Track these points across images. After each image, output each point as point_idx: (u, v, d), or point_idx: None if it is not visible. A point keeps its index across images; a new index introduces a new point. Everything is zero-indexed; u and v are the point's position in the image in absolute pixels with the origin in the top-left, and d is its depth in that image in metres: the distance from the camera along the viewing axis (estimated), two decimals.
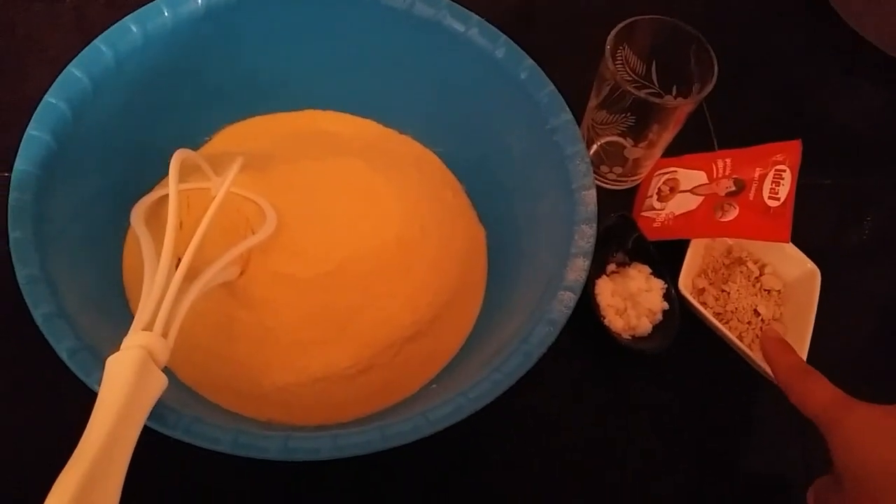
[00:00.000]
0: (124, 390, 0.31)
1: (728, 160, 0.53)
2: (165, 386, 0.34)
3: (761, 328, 0.51)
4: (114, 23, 0.43)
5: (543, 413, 0.49)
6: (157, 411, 0.33)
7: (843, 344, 0.54)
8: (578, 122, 0.54)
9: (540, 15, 0.67)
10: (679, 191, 0.53)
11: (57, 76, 0.41)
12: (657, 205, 0.54)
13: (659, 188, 0.54)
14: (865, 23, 0.68)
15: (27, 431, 0.44)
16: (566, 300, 0.39)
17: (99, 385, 0.32)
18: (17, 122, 0.40)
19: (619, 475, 0.48)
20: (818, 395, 0.40)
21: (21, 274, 0.36)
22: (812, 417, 0.40)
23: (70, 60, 0.41)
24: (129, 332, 0.35)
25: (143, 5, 0.43)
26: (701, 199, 0.52)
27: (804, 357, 0.48)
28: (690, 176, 0.54)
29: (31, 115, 0.40)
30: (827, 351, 0.49)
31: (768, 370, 0.47)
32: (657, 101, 0.48)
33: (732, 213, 0.50)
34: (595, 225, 0.41)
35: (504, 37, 0.46)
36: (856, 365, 0.54)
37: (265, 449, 0.34)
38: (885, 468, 0.35)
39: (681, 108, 0.49)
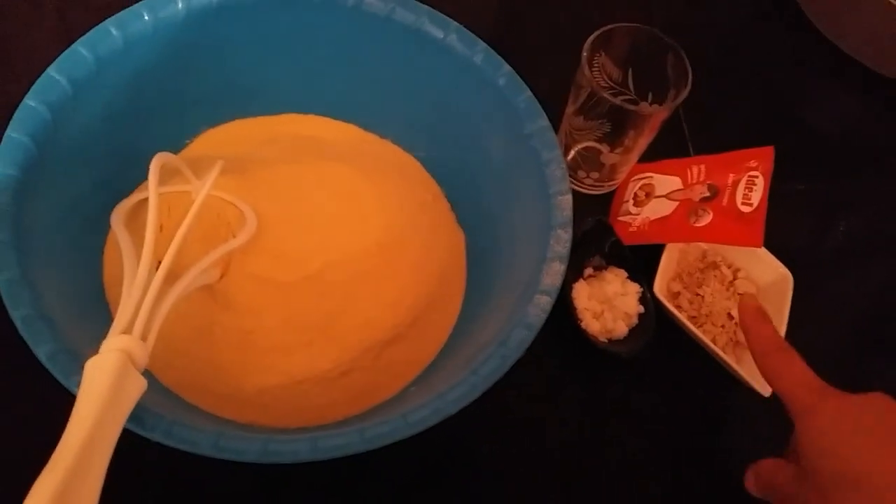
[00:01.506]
0: (103, 393, 0.31)
1: (702, 166, 0.54)
2: (144, 389, 0.34)
3: (735, 332, 0.52)
4: (94, 26, 0.43)
5: (522, 415, 0.49)
6: (136, 414, 0.34)
7: (815, 347, 0.53)
8: (558, 127, 0.55)
9: (522, 20, 0.67)
10: (655, 196, 0.54)
11: (37, 78, 0.41)
12: (633, 210, 0.54)
13: (635, 193, 0.55)
14: (839, 32, 0.69)
15: (5, 433, 0.44)
16: (542, 304, 0.40)
17: (78, 388, 0.32)
18: None
19: (596, 476, 0.48)
20: (793, 378, 0.39)
21: (0, 277, 0.36)
22: (784, 398, 0.39)
23: (50, 63, 0.41)
24: (109, 335, 0.35)
25: (123, 8, 0.43)
26: (676, 204, 0.53)
27: None
28: (666, 181, 0.54)
29: (10, 117, 0.40)
30: (800, 353, 0.50)
31: (742, 373, 0.48)
32: (632, 107, 0.49)
33: (706, 219, 0.51)
34: (571, 230, 0.42)
35: (482, 43, 0.47)
36: (828, 368, 0.54)
37: (245, 451, 0.34)
38: (857, 469, 0.35)
39: (656, 115, 0.50)
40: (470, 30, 0.47)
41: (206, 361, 0.43)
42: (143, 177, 0.45)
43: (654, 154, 0.56)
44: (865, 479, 0.34)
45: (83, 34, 0.43)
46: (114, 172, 0.46)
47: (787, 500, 0.39)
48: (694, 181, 0.53)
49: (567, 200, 0.43)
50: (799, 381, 0.39)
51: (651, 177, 0.55)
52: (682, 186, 0.53)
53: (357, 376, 0.45)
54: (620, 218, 0.55)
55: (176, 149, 0.50)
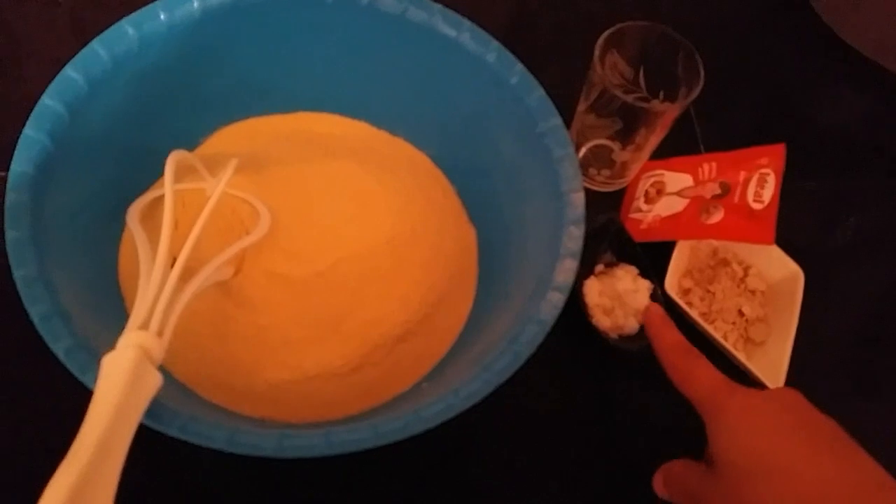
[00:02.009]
0: (119, 389, 0.32)
1: (714, 163, 0.54)
2: (160, 384, 0.34)
3: (745, 328, 0.52)
4: (108, 25, 0.43)
5: (532, 411, 0.50)
6: (153, 409, 0.34)
7: (825, 343, 0.55)
8: (569, 124, 0.55)
9: (533, 19, 0.68)
10: (666, 193, 0.54)
11: (52, 77, 0.41)
12: (644, 207, 0.54)
13: (646, 190, 0.55)
14: (849, 29, 0.69)
15: (23, 429, 0.44)
16: (555, 301, 0.40)
17: (95, 384, 0.32)
18: (12, 122, 0.40)
19: (605, 472, 0.49)
20: (701, 379, 0.40)
21: (18, 274, 0.36)
22: (693, 401, 0.40)
23: (65, 61, 0.42)
24: (125, 330, 0.35)
25: (136, 8, 0.44)
26: (687, 201, 0.53)
27: (787, 357, 0.49)
28: (677, 179, 0.54)
29: (27, 115, 0.40)
30: (810, 350, 0.51)
31: (752, 369, 0.48)
32: (644, 105, 0.49)
33: (718, 216, 0.51)
34: (583, 227, 0.42)
35: (495, 42, 0.47)
36: (838, 364, 0.55)
37: (260, 446, 0.35)
38: (766, 459, 0.35)
39: (667, 113, 0.50)
40: (484, 27, 0.47)
41: (219, 356, 0.44)
42: (158, 174, 0.46)
43: (665, 151, 0.56)
44: (776, 468, 0.34)
45: (96, 33, 0.43)
46: (129, 170, 0.46)
47: (697, 502, 0.39)
48: (705, 178, 0.53)
49: (580, 197, 0.43)
50: (707, 381, 0.39)
51: (662, 174, 0.56)
52: (693, 184, 0.54)
53: (369, 372, 0.45)
54: (631, 215, 0.55)
55: (190, 146, 0.50)
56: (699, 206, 0.52)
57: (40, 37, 0.57)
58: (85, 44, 0.42)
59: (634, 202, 0.56)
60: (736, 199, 0.51)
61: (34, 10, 0.59)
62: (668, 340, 0.43)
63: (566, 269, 0.41)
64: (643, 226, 0.53)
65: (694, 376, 0.40)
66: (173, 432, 0.34)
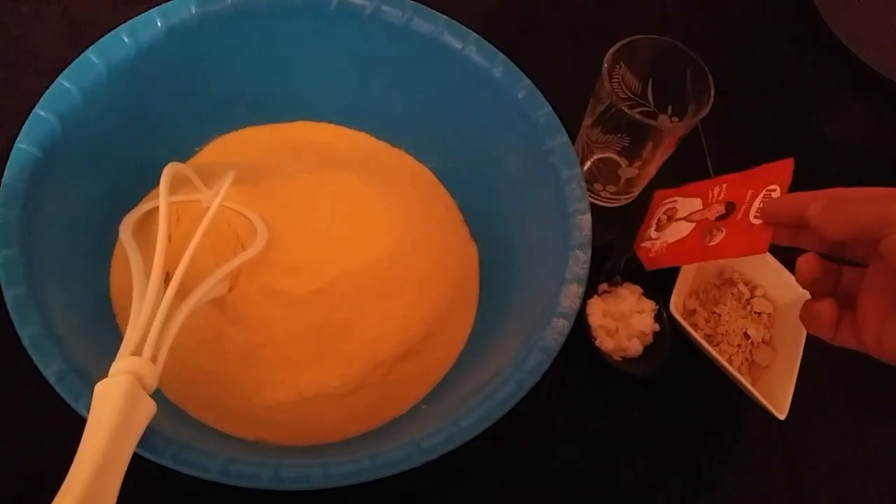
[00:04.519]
0: (113, 419, 0.31)
1: (724, 185, 0.52)
2: (154, 412, 0.34)
3: (750, 352, 0.51)
4: (103, 24, 0.42)
5: (532, 433, 0.49)
6: (146, 437, 0.33)
7: (832, 365, 0.54)
8: (573, 137, 0.53)
9: (538, 29, 0.66)
10: (675, 219, 0.53)
11: (45, 79, 0.40)
12: (654, 234, 0.53)
13: (658, 218, 0.54)
14: (863, 45, 0.68)
15: (15, 454, 0.43)
16: (560, 327, 0.39)
17: (87, 411, 0.32)
18: (5, 125, 0.39)
19: (606, 496, 0.48)
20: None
21: (8, 294, 0.35)
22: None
23: (59, 63, 0.40)
24: (118, 356, 0.34)
25: (126, 7, 0.43)
26: (692, 225, 0.51)
27: (793, 382, 0.48)
28: (688, 204, 0.53)
29: (20, 118, 0.39)
30: (817, 374, 0.50)
31: (757, 394, 0.47)
32: (652, 122, 0.48)
33: (720, 237, 0.49)
34: (589, 251, 0.41)
35: (502, 56, 0.46)
36: (845, 389, 0.54)
37: (256, 477, 0.34)
38: None
39: (675, 131, 0.48)
40: (487, 36, 0.46)
41: (212, 376, 0.42)
42: (151, 185, 0.45)
43: (672, 164, 0.54)
44: None
45: (90, 32, 0.42)
46: (122, 181, 0.45)
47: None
48: (714, 200, 0.52)
49: (586, 220, 0.42)
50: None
51: (676, 200, 0.54)
52: (701, 207, 0.52)
53: (367, 393, 0.44)
54: (643, 244, 0.53)
55: (185, 156, 0.49)
56: (703, 229, 0.50)
57: (34, 37, 0.56)
58: (79, 43, 0.41)
59: (647, 230, 0.54)
60: (739, 216, 0.49)
61: (27, 9, 0.57)
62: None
63: (572, 295, 0.40)
64: (651, 254, 0.52)
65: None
66: (166, 462, 0.34)
